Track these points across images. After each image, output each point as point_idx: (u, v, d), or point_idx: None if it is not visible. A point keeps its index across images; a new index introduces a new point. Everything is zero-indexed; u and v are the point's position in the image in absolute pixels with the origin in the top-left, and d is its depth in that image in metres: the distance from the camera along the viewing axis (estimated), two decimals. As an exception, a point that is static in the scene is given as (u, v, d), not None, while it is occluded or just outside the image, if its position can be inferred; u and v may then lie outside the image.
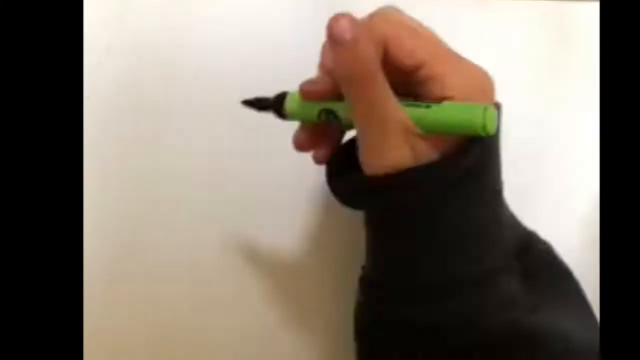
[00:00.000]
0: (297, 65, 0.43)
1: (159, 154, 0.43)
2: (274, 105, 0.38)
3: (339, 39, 0.33)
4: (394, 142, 0.34)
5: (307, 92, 0.37)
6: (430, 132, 0.34)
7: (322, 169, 0.38)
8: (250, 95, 0.40)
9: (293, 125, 0.39)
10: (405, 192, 0.34)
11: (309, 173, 0.42)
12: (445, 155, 0.34)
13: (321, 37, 0.38)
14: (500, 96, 0.46)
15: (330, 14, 0.44)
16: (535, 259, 0.38)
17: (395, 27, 0.35)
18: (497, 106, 0.36)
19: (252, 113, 0.39)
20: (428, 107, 0.33)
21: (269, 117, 0.39)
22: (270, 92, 0.40)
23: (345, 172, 0.37)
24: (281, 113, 0.38)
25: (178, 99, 0.42)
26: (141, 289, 0.43)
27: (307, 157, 0.39)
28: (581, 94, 0.46)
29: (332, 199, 0.37)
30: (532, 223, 0.46)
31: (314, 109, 0.37)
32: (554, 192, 0.47)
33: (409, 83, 0.35)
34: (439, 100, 0.34)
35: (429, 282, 0.36)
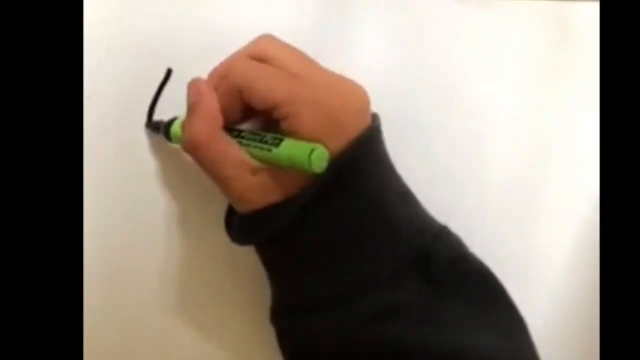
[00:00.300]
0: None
1: (159, 154, 0.43)
2: (164, 129, 0.42)
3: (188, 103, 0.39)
4: (240, 188, 0.37)
5: None
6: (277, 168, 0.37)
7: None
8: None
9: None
10: (257, 227, 0.38)
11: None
12: (288, 195, 0.37)
13: (321, 36, 0.38)
14: (499, 96, 0.46)
15: (332, 15, 0.44)
16: (441, 262, 0.38)
17: (247, 75, 0.37)
18: (374, 118, 0.38)
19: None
20: (270, 148, 0.36)
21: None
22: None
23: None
24: (168, 137, 0.42)
25: (178, 99, 0.42)
26: (141, 289, 0.43)
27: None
28: (581, 93, 0.46)
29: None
30: (531, 223, 0.46)
31: None
32: (553, 192, 0.47)
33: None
34: (291, 135, 0.36)
35: (301, 298, 0.38)
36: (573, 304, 0.47)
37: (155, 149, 0.43)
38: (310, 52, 0.39)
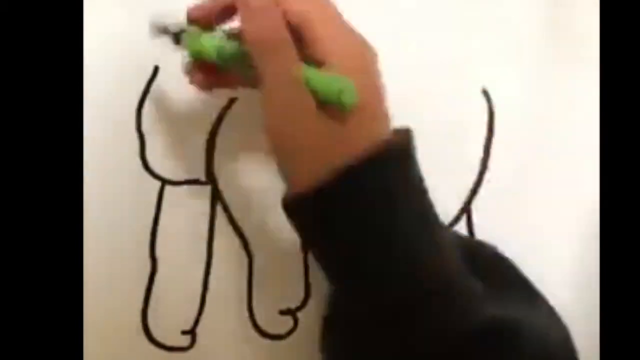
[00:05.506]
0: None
1: (158, 154, 0.43)
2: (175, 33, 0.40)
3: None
4: (295, 97, 0.35)
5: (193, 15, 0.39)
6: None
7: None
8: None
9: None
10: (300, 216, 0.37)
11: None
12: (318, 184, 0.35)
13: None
14: (498, 95, 0.46)
15: None
16: (484, 264, 0.39)
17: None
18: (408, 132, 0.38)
19: (255, 115, 0.40)
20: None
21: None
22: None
23: None
24: (178, 40, 0.40)
25: (178, 99, 0.42)
26: (141, 289, 0.43)
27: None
28: (581, 92, 0.46)
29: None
30: (531, 223, 0.46)
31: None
32: (553, 192, 0.47)
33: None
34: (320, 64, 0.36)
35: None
36: (573, 301, 0.47)
37: (155, 149, 0.43)
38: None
